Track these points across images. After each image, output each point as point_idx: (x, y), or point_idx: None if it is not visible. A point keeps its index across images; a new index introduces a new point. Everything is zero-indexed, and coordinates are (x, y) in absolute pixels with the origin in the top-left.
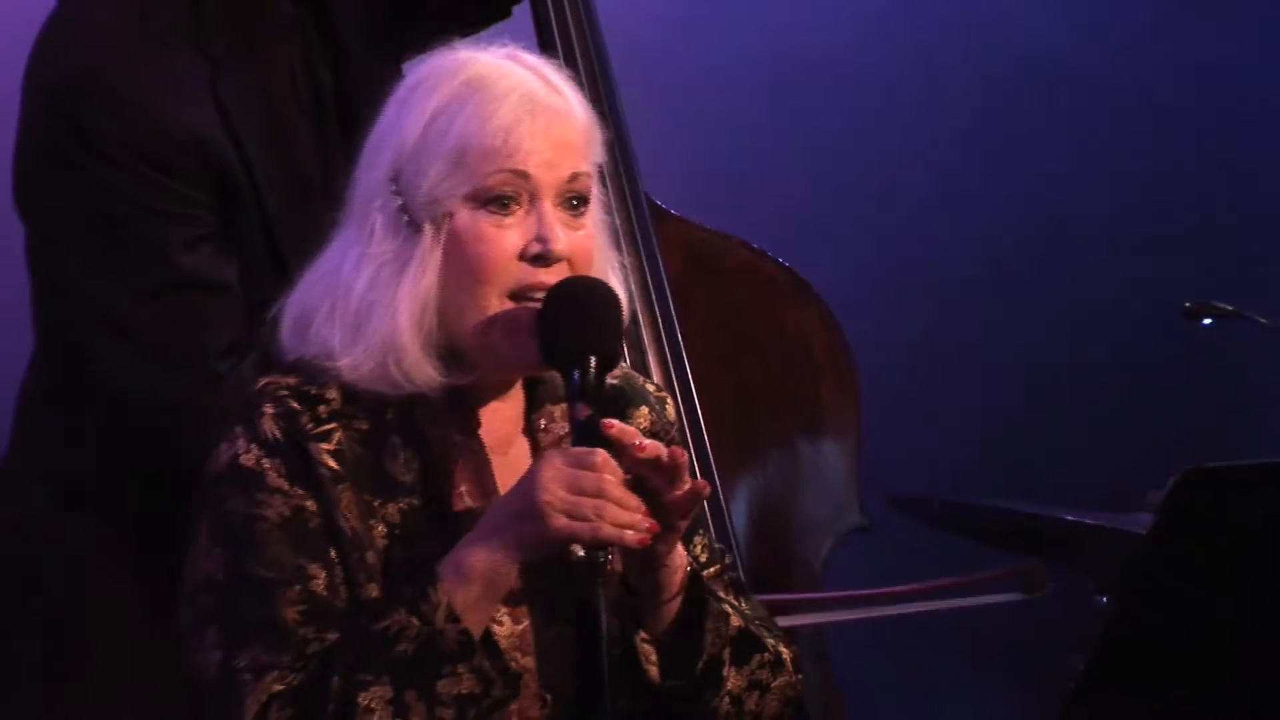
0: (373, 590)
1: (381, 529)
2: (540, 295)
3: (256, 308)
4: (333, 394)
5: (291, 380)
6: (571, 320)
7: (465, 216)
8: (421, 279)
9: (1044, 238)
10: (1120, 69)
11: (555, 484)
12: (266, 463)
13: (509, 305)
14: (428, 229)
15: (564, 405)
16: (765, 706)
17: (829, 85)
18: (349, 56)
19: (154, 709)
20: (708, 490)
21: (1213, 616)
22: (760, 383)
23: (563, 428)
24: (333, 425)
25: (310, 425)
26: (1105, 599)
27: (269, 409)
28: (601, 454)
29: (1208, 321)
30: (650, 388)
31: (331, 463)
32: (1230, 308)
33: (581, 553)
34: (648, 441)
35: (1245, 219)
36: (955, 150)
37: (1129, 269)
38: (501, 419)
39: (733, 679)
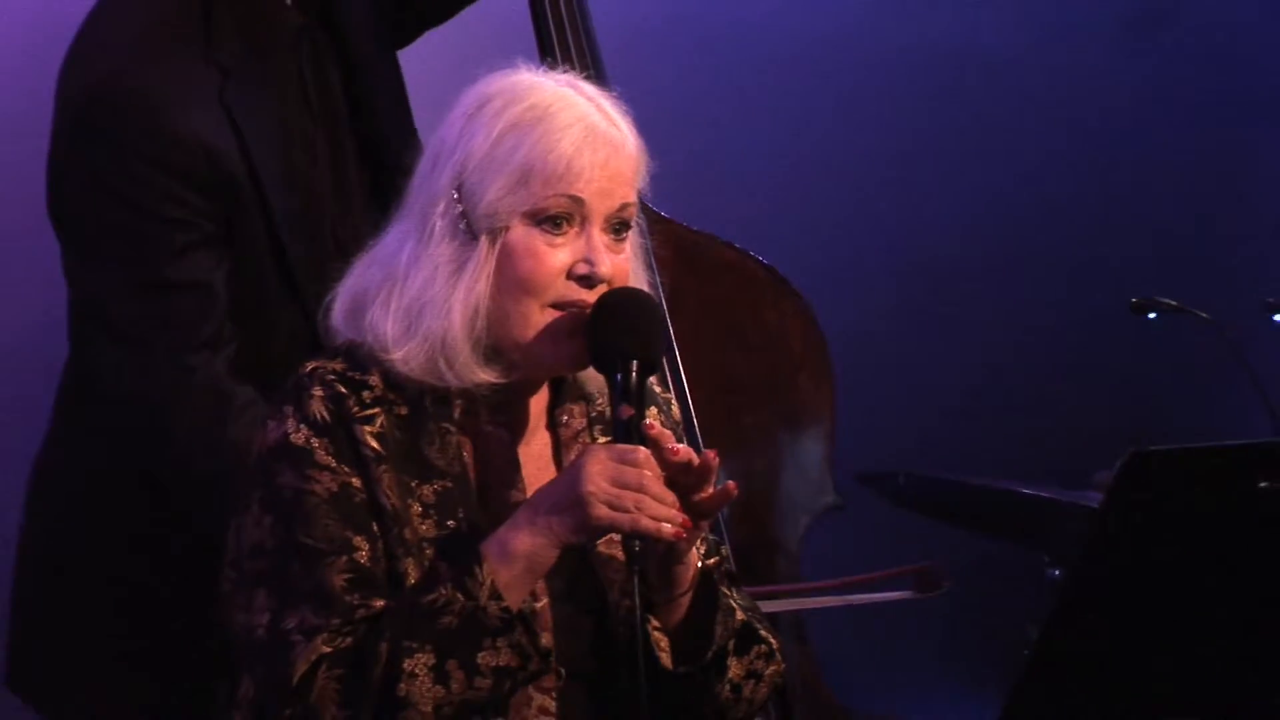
0: (409, 565)
1: (418, 508)
2: (578, 309)
3: (260, 304)
4: (375, 380)
5: (339, 365)
6: (620, 328)
7: (520, 231)
8: (476, 285)
9: (1004, 235)
10: (1075, 74)
11: (600, 476)
12: (315, 441)
13: (551, 314)
14: (484, 239)
15: (582, 403)
16: (758, 693)
17: (804, 95)
18: (357, 58)
19: (174, 682)
20: (736, 492)
21: (1158, 587)
22: (744, 373)
23: (581, 423)
24: (376, 410)
25: (355, 408)
26: (1058, 571)
27: (318, 391)
28: (644, 452)
29: (1153, 316)
30: (657, 389)
31: (374, 444)
32: (1174, 303)
33: (604, 539)
34: (680, 445)
35: (1196, 219)
36: (920, 151)
37: (1083, 266)
38: (528, 413)
39: (734, 668)
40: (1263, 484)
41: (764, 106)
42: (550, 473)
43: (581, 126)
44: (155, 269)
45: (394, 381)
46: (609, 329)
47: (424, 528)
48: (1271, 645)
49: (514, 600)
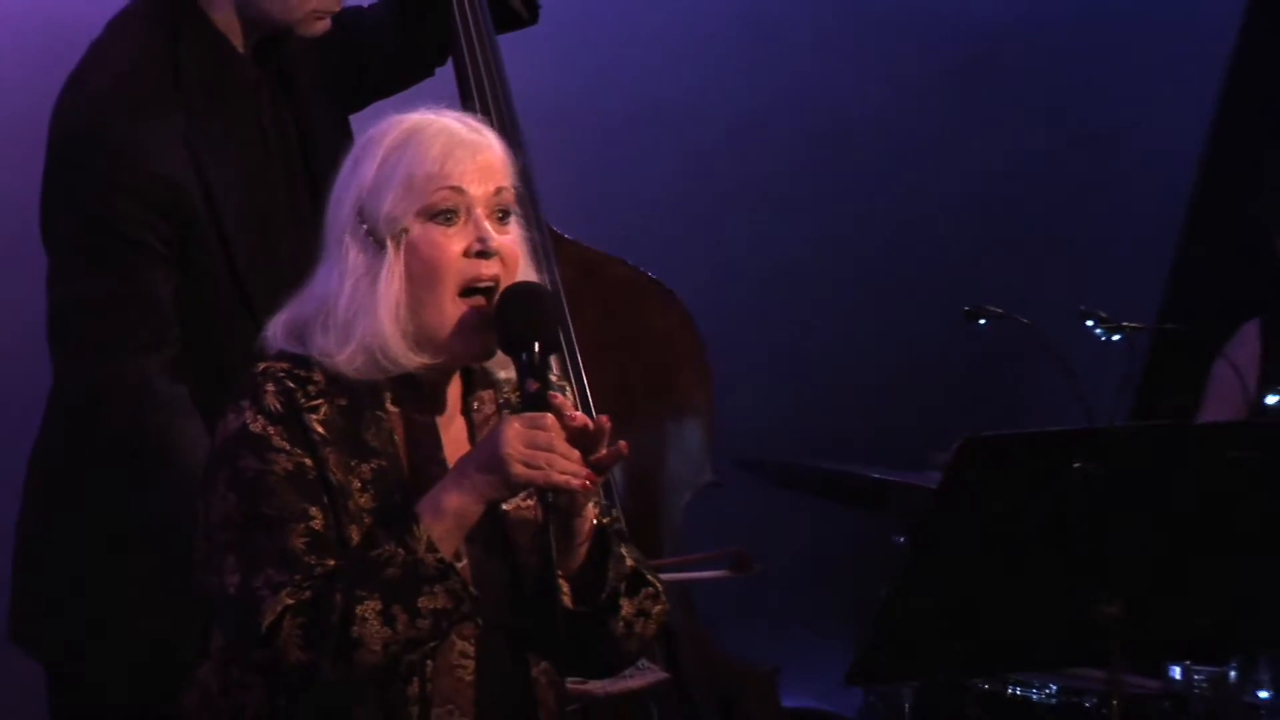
0: (354, 530)
1: (358, 483)
2: (484, 286)
3: (215, 320)
4: (318, 376)
5: (285, 365)
6: (521, 315)
7: (418, 229)
8: (393, 284)
9: (859, 252)
10: (915, 117)
11: (516, 440)
12: (271, 429)
13: (462, 305)
14: (390, 244)
15: (491, 390)
16: (647, 629)
17: (686, 134)
18: (305, 105)
19: (153, 634)
20: (627, 451)
21: (987, 552)
22: (634, 371)
23: (491, 409)
24: (320, 400)
25: (303, 400)
26: (903, 539)
27: (270, 387)
28: (551, 417)
29: (983, 321)
30: (553, 377)
31: (320, 429)
32: (1000, 310)
33: (513, 505)
34: (578, 413)
35: (1022, 238)
36: (782, 174)
37: (924, 279)
38: (446, 401)
39: (626, 607)
40: (1076, 464)
41: (653, 147)
42: (467, 450)
43: (447, 133)
44: (109, 282)
45: (333, 377)
46: (513, 317)
47: (364, 500)
48: (1083, 602)
49: (447, 551)
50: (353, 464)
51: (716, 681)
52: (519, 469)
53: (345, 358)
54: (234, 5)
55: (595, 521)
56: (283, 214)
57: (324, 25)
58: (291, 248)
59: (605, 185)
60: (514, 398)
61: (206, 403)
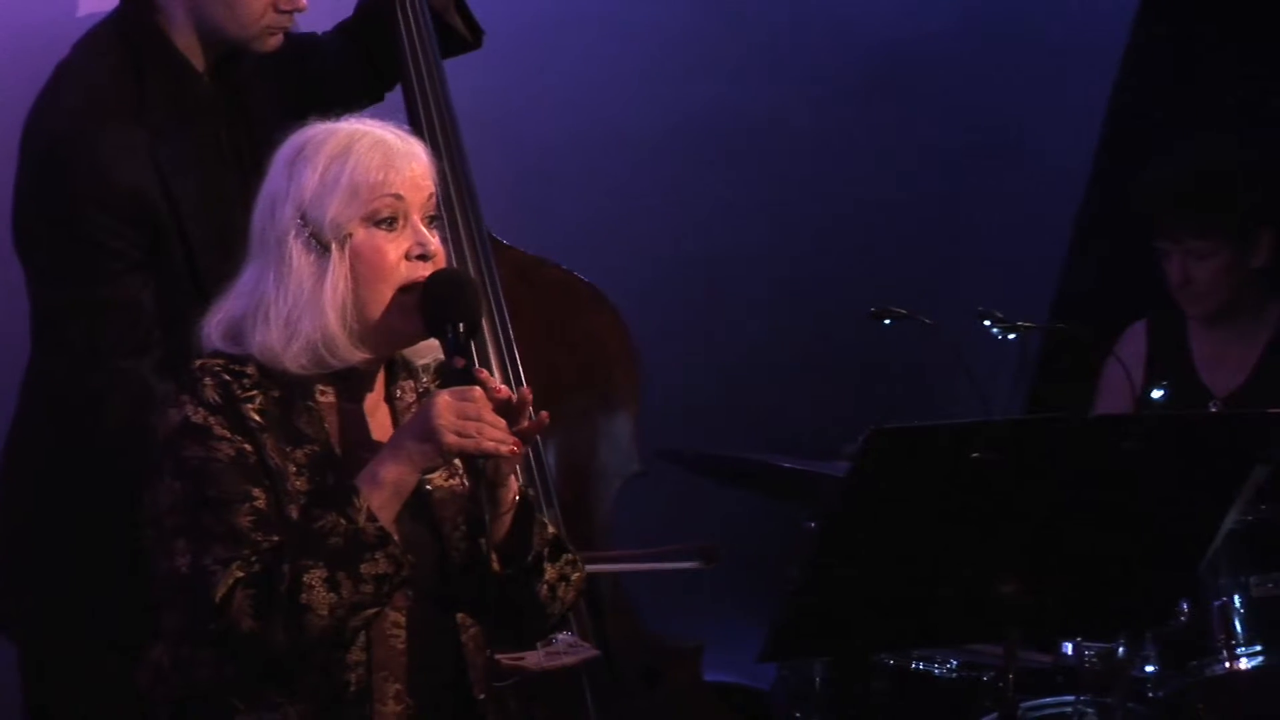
0: (292, 509)
1: (293, 467)
2: (419, 285)
3: (176, 318)
4: (251, 369)
5: (219, 361)
6: (445, 299)
7: (362, 234)
8: (339, 285)
9: (775, 256)
10: (829, 124)
11: (447, 411)
12: (212, 419)
13: (400, 298)
14: (334, 248)
15: (411, 380)
16: (568, 594)
17: (606, 150)
18: (264, 126)
19: (121, 615)
20: (547, 420)
21: (892, 537)
22: (568, 368)
23: (412, 397)
24: (255, 391)
25: (239, 391)
26: (813, 524)
27: (208, 380)
28: (478, 390)
29: (888, 321)
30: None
31: (257, 417)
32: (904, 311)
33: (437, 482)
34: (501, 385)
35: (926, 243)
36: (702, 180)
37: (833, 280)
38: (371, 390)
39: (549, 571)
40: (974, 454)
41: (584, 157)
42: (387, 437)
43: (384, 144)
44: (94, 289)
45: (266, 370)
46: (436, 302)
47: (299, 483)
48: (981, 582)
49: (385, 520)
50: (288, 450)
51: (643, 658)
52: (451, 438)
53: (291, 353)
54: (193, 26)
55: (517, 493)
56: (239, 223)
57: (277, 41)
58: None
59: (541, 193)
60: (434, 385)
61: None
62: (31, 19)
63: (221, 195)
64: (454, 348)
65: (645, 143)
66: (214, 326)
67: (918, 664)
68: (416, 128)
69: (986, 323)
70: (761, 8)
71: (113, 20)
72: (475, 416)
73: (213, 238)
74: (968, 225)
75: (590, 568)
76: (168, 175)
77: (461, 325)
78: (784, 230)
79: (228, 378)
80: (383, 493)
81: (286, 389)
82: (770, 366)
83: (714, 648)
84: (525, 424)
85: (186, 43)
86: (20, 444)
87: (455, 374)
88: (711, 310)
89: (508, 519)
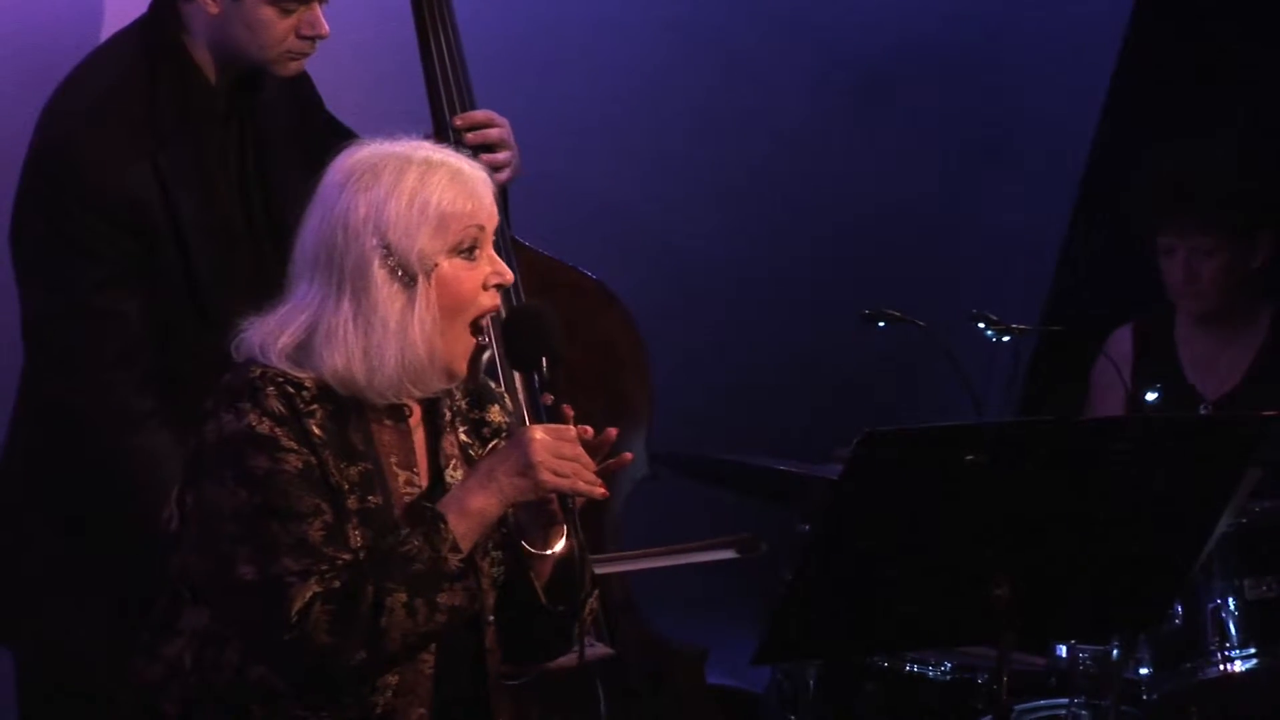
0: (349, 528)
1: (347, 485)
2: (485, 322)
3: (170, 331)
4: (309, 384)
5: (280, 371)
6: (529, 334)
7: (446, 265)
8: (426, 315)
9: (774, 264)
10: (827, 129)
11: (544, 449)
12: (278, 430)
13: (470, 340)
14: (422, 278)
15: (446, 401)
16: (589, 618)
17: (599, 154)
18: (274, 146)
19: (105, 615)
20: (630, 460)
21: (884, 539)
22: (581, 370)
23: (446, 417)
24: (314, 405)
25: (301, 404)
26: (807, 527)
27: (271, 390)
28: (573, 430)
29: (882, 324)
30: (493, 385)
31: (319, 431)
32: (898, 314)
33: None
34: (585, 426)
35: (920, 247)
36: (696, 184)
37: (827, 283)
38: (414, 411)
39: (592, 604)
40: (968, 457)
41: (579, 158)
42: (425, 458)
43: (460, 175)
44: (78, 296)
45: (323, 386)
46: (521, 338)
47: (351, 500)
48: (974, 585)
49: (468, 550)
50: (343, 466)
51: (650, 660)
52: (548, 475)
53: (376, 386)
54: (214, 42)
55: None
56: (240, 236)
57: (298, 67)
58: (248, 266)
59: (534, 194)
60: (464, 404)
61: (167, 411)
62: (55, 24)
63: (223, 210)
64: (540, 386)
65: (637, 146)
66: (272, 340)
67: (911, 667)
68: (444, 137)
69: (979, 325)
70: (757, 10)
71: (135, 27)
72: (572, 456)
73: (213, 252)
74: (960, 228)
75: (629, 566)
76: (169, 185)
77: (545, 361)
78: (777, 233)
79: (290, 389)
80: (469, 522)
81: (341, 405)
82: (763, 369)
83: (712, 651)
84: (609, 462)
85: (204, 57)
86: (15, 450)
87: (547, 410)
88: (704, 313)
89: (554, 557)
